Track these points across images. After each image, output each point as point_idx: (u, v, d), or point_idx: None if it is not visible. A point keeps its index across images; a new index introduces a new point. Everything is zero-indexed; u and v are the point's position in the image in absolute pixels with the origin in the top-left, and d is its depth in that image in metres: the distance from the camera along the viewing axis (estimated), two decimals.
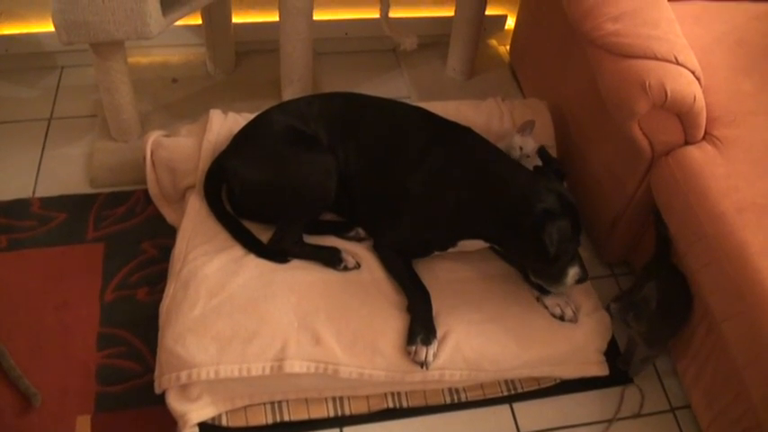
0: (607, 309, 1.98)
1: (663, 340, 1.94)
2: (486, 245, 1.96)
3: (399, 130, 2.03)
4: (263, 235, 2.00)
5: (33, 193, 2.26)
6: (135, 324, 1.97)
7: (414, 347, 1.81)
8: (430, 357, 1.82)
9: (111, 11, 1.99)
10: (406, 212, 1.95)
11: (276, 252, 1.96)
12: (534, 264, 1.89)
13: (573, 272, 1.87)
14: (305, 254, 1.98)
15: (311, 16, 2.37)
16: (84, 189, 2.29)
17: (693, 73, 1.88)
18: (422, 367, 1.82)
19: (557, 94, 2.41)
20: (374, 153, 2.00)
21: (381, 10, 2.51)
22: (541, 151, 2.02)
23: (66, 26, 2.02)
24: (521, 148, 2.12)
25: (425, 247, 2.00)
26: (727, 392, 1.78)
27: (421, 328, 1.84)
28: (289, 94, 2.52)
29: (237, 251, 1.96)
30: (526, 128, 2.15)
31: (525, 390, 1.95)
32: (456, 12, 2.68)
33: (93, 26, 2.02)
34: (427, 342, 1.83)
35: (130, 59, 2.61)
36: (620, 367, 2.00)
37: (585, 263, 2.16)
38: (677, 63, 1.87)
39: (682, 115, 1.87)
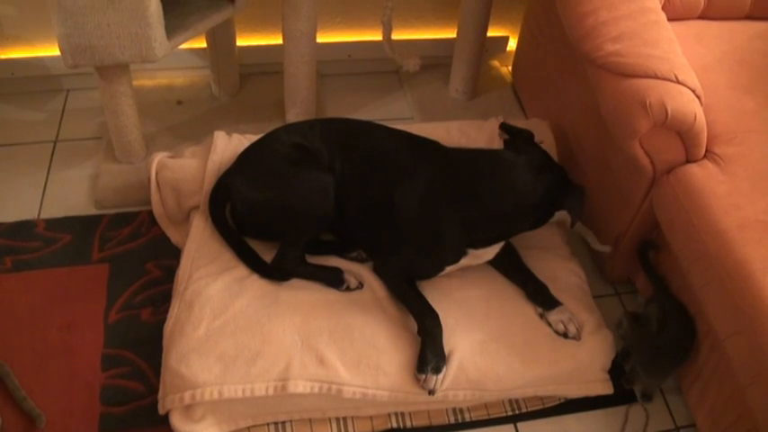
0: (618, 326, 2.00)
1: (664, 371, 1.95)
2: (497, 250, 1.98)
3: (389, 152, 2.04)
4: (268, 253, 2.00)
5: (38, 214, 2.28)
6: (139, 344, 1.97)
7: (424, 376, 1.81)
8: (439, 385, 1.82)
9: (116, 35, 2.02)
10: (407, 234, 1.95)
11: (279, 271, 1.97)
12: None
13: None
14: (307, 274, 1.99)
15: (314, 39, 2.39)
16: (90, 210, 2.30)
17: (694, 91, 1.89)
18: (430, 394, 1.82)
19: (559, 113, 2.42)
20: (371, 175, 2.01)
21: (384, 33, 2.53)
22: (503, 126, 2.09)
23: (71, 50, 2.05)
24: None
25: (437, 263, 1.98)
26: (732, 411, 1.77)
27: (432, 355, 1.83)
28: (292, 115, 2.54)
29: (241, 271, 1.97)
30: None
31: (530, 409, 1.95)
32: (458, 33, 2.70)
33: (99, 50, 2.05)
34: (438, 371, 1.82)
35: (136, 82, 2.64)
36: (624, 387, 2.00)
37: (589, 281, 2.19)
38: (677, 82, 1.88)
39: (683, 133, 1.88)
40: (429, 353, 1.84)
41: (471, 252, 1.95)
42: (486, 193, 1.87)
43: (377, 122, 2.18)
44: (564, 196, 1.91)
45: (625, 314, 2.03)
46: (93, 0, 1.95)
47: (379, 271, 2.03)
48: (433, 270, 2.00)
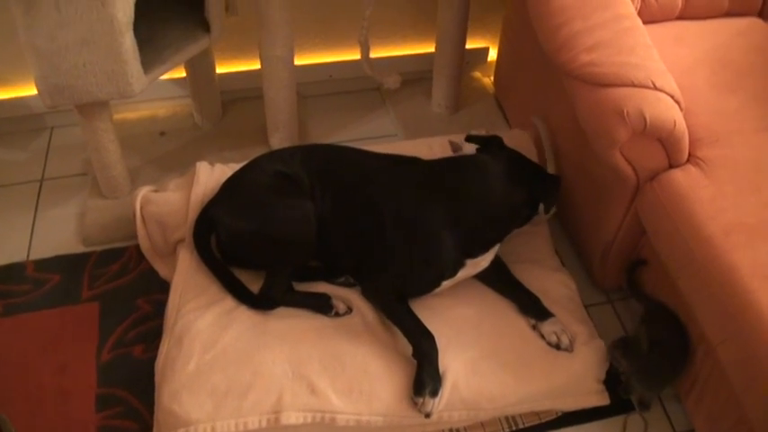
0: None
1: (660, 382, 1.94)
2: (492, 255, 1.98)
3: (371, 174, 2.03)
4: (256, 282, 2.00)
5: (27, 256, 2.28)
6: (132, 383, 1.96)
7: (421, 399, 1.80)
8: (436, 408, 1.81)
9: (92, 73, 2.02)
10: (401, 252, 1.93)
11: (266, 301, 1.96)
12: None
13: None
14: (295, 302, 1.98)
15: (292, 63, 2.40)
16: (78, 248, 2.30)
17: (673, 97, 1.88)
18: (426, 417, 1.81)
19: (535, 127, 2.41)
20: (353, 200, 2.00)
21: (362, 52, 2.53)
22: (469, 138, 2.11)
23: (49, 91, 2.05)
24: None
25: (434, 278, 1.96)
26: (729, 416, 1.76)
27: (429, 378, 1.82)
28: (276, 140, 2.55)
29: (229, 303, 1.97)
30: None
31: (527, 425, 1.93)
32: (437, 47, 2.69)
33: (77, 89, 2.05)
34: (434, 394, 1.82)
35: (118, 115, 2.66)
36: (622, 396, 1.99)
37: (580, 290, 2.18)
38: (655, 88, 1.87)
39: (663, 140, 1.87)
40: (426, 376, 1.83)
41: (469, 262, 1.94)
42: (475, 199, 1.88)
43: (358, 147, 2.17)
44: (541, 188, 1.93)
45: (613, 343, 2.00)
46: (67, 41, 1.96)
47: (369, 293, 2.01)
48: (429, 286, 1.98)
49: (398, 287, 1.97)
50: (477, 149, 2.08)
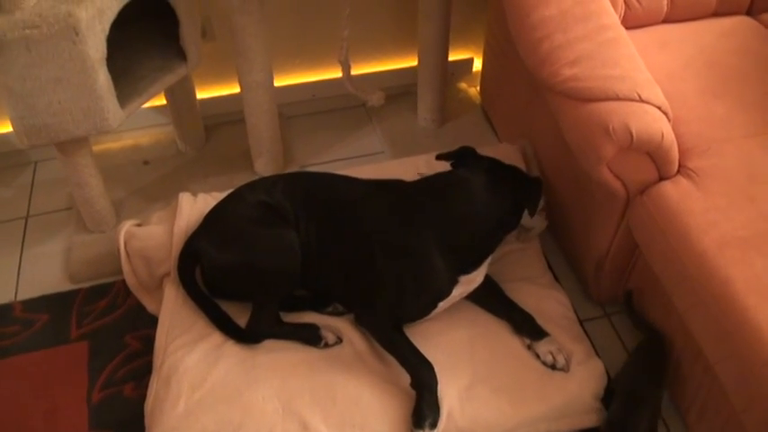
0: None
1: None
2: (485, 270, 1.94)
3: (356, 201, 2.00)
4: (244, 315, 1.97)
5: (15, 296, 2.25)
6: (123, 424, 1.94)
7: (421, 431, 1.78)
8: None
9: (68, 111, 1.99)
10: (393, 278, 1.89)
11: (253, 334, 1.93)
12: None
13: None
14: (284, 334, 1.95)
15: (272, 87, 2.36)
16: (65, 286, 2.27)
17: (660, 108, 1.84)
18: None
19: (529, 135, 2.37)
20: (338, 228, 1.97)
21: (343, 71, 2.49)
22: (439, 157, 2.06)
23: (26, 131, 2.02)
24: None
25: (430, 300, 1.92)
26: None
27: (429, 410, 1.79)
28: (260, 164, 2.52)
29: (217, 338, 1.94)
30: None
31: None
32: (419, 61, 2.65)
33: (53, 127, 2.02)
34: (434, 426, 1.78)
35: (101, 146, 2.63)
36: None
37: (576, 305, 2.15)
38: (641, 101, 1.82)
39: (652, 153, 1.83)
40: (425, 407, 1.79)
41: (462, 279, 1.90)
42: (461, 217, 1.86)
43: (340, 173, 2.14)
44: (523, 193, 1.94)
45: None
46: (40, 81, 1.92)
47: (363, 322, 1.97)
48: (426, 309, 1.94)
49: (394, 315, 1.93)
50: (452, 164, 2.04)
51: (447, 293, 1.92)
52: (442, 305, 1.94)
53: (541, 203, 2.00)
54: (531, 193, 1.94)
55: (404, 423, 1.80)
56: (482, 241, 1.90)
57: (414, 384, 1.84)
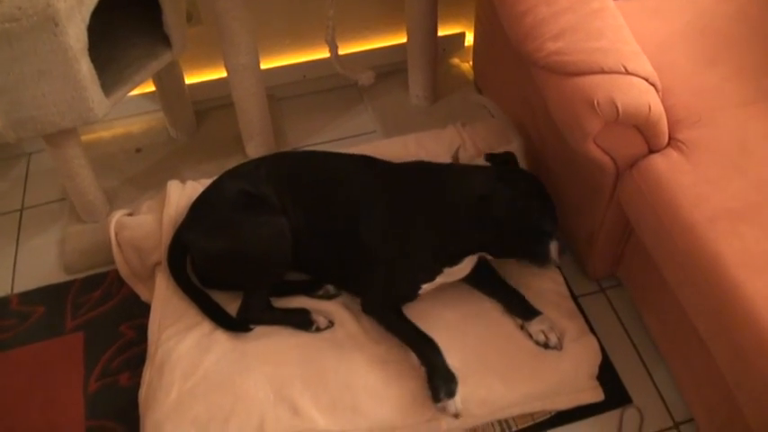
0: None
1: None
2: (473, 263, 1.92)
3: (344, 181, 1.99)
4: (235, 302, 1.97)
5: (12, 289, 2.26)
6: (120, 412, 1.95)
7: (441, 404, 1.78)
8: (459, 406, 1.79)
9: (53, 103, 1.98)
10: (380, 261, 1.90)
11: (243, 322, 1.94)
12: (517, 250, 1.89)
13: (554, 246, 1.84)
14: (275, 320, 1.95)
15: (258, 70, 2.34)
16: (60, 277, 2.27)
17: (647, 80, 1.79)
18: (456, 418, 1.79)
19: (521, 109, 2.33)
20: (326, 209, 1.96)
21: (331, 51, 2.47)
22: (485, 157, 2.02)
23: (12, 125, 2.01)
24: None
25: (413, 285, 1.93)
26: (726, 408, 1.70)
27: (442, 381, 1.80)
28: (252, 148, 2.50)
29: (207, 326, 1.95)
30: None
31: (520, 427, 1.88)
32: (408, 38, 2.61)
33: (39, 120, 2.01)
34: (452, 394, 1.79)
35: (93, 135, 2.63)
36: None
37: (571, 281, 2.14)
38: (627, 73, 1.77)
39: (639, 126, 1.78)
40: (437, 380, 1.81)
41: (446, 270, 1.89)
42: (437, 209, 1.83)
43: (327, 151, 2.13)
44: (529, 241, 1.85)
45: None
46: (24, 74, 1.91)
47: (367, 310, 1.97)
48: (409, 293, 1.94)
49: (389, 298, 1.94)
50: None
51: (429, 279, 1.92)
52: (426, 287, 1.94)
53: (554, 254, 1.85)
54: (537, 245, 1.85)
55: (397, 403, 1.82)
56: (458, 238, 1.85)
57: (421, 363, 1.85)
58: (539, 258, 1.86)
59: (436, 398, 1.79)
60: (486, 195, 1.78)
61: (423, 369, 1.84)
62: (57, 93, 1.97)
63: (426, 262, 1.88)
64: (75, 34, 1.90)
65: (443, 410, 1.79)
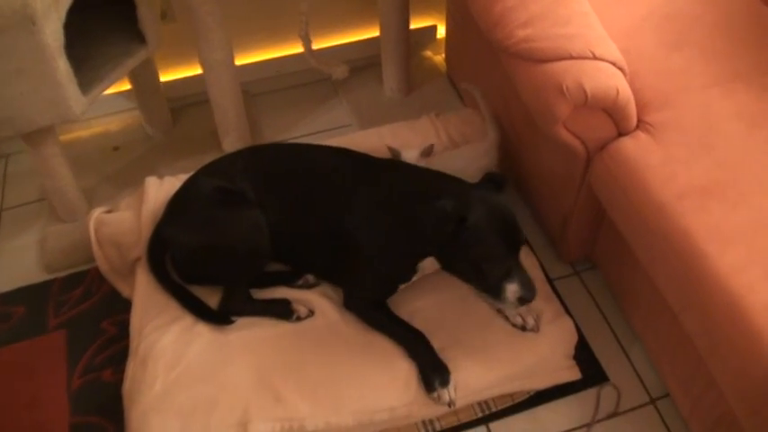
0: None
1: None
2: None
3: (322, 176, 2.00)
4: (214, 297, 1.99)
5: None
6: (104, 408, 1.96)
7: (435, 394, 1.82)
8: (453, 395, 1.83)
9: (31, 102, 1.99)
10: (360, 259, 1.92)
11: (224, 315, 1.95)
12: (467, 275, 1.82)
13: (511, 288, 1.74)
14: (256, 311, 1.97)
15: (233, 65, 2.36)
16: (41, 277, 2.28)
17: (614, 64, 1.84)
18: (449, 407, 1.83)
19: (493, 98, 2.37)
20: (303, 201, 1.98)
21: (304, 46, 2.49)
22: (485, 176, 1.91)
23: None
24: None
25: (392, 284, 1.96)
26: (700, 379, 1.75)
27: (434, 371, 1.84)
28: (228, 143, 2.52)
29: (189, 319, 1.96)
30: (394, 155, 2.13)
31: (499, 408, 1.92)
32: (381, 31, 2.64)
33: (18, 119, 2.02)
34: (445, 383, 1.83)
35: (70, 134, 2.63)
36: None
37: (546, 265, 2.17)
38: (594, 58, 1.83)
39: (608, 110, 1.83)
40: (429, 371, 1.85)
41: (420, 266, 1.91)
42: (411, 218, 1.79)
43: (307, 143, 2.15)
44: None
45: None
46: (1, 73, 1.92)
47: (350, 307, 1.99)
48: (388, 290, 1.98)
49: (371, 294, 1.97)
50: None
51: (407, 280, 1.95)
52: (402, 287, 1.97)
53: (510, 295, 1.74)
54: (494, 283, 1.74)
55: (378, 388, 1.84)
56: (426, 249, 1.84)
57: (410, 356, 1.88)
58: (493, 297, 1.78)
59: (431, 388, 1.83)
60: (453, 221, 1.71)
61: (413, 362, 1.87)
62: (35, 91, 1.98)
63: (402, 263, 1.91)
64: (52, 33, 1.91)
65: (438, 400, 1.83)
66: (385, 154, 2.14)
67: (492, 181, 1.85)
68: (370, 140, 2.22)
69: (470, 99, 2.43)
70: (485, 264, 1.74)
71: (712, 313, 1.58)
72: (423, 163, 2.08)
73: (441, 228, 1.71)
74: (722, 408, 1.68)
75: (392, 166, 2.01)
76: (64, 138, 2.60)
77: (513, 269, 1.76)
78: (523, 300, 1.75)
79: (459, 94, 2.80)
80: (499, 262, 1.74)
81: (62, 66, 1.98)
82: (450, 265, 1.82)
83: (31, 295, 2.24)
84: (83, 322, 2.16)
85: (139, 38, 2.26)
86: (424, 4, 2.85)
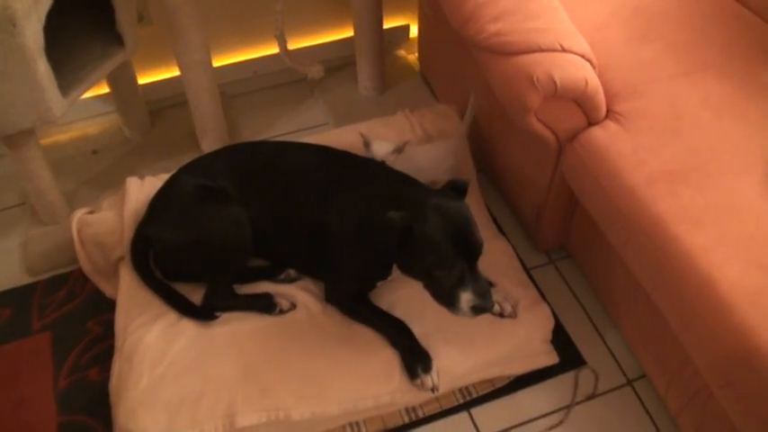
0: None
1: None
2: None
3: (300, 174, 2.03)
4: (197, 294, 2.02)
5: None
6: (91, 406, 1.98)
7: (419, 380, 1.86)
8: (436, 380, 1.87)
9: (11, 103, 2.00)
10: (337, 256, 1.96)
11: (208, 311, 1.98)
12: (424, 283, 1.80)
13: (465, 297, 1.72)
14: (239, 306, 2.00)
15: (211, 66, 2.39)
16: (24, 280, 2.29)
17: (583, 56, 1.91)
18: (433, 392, 1.87)
19: (466, 94, 2.41)
20: (283, 197, 2.01)
21: (280, 46, 2.53)
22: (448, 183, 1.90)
23: None
24: None
25: (369, 281, 2.00)
26: (675, 357, 1.81)
27: (415, 358, 1.88)
28: (206, 144, 2.55)
29: (173, 316, 1.99)
30: (365, 142, 2.16)
31: (480, 393, 1.97)
32: (355, 31, 2.69)
33: None
34: (428, 369, 1.87)
35: (49, 139, 2.65)
36: None
37: (521, 253, 2.23)
38: (563, 50, 1.89)
39: (578, 100, 1.89)
40: (411, 358, 1.89)
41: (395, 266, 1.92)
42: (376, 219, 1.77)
43: (286, 141, 2.18)
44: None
45: None
46: None
47: (330, 301, 2.03)
48: (367, 286, 2.02)
49: (352, 286, 2.00)
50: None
51: (383, 277, 1.99)
52: (380, 284, 2.02)
53: (464, 304, 1.72)
54: (448, 290, 1.73)
55: (360, 377, 1.88)
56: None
57: (393, 344, 1.93)
58: (447, 305, 1.77)
59: (414, 375, 1.87)
60: (408, 225, 1.70)
61: (396, 351, 1.91)
62: (15, 93, 1.99)
63: (374, 264, 1.93)
64: (33, 35, 1.93)
65: (422, 386, 1.87)
66: (360, 147, 2.18)
67: (454, 188, 1.84)
68: (348, 137, 2.25)
69: (445, 95, 2.48)
70: (436, 270, 1.73)
71: (684, 291, 1.65)
72: (393, 159, 2.12)
73: (386, 237, 1.71)
74: (697, 384, 1.75)
75: (365, 166, 2.04)
76: (43, 142, 2.58)
77: (467, 277, 1.73)
78: (477, 309, 1.73)
79: (433, 92, 2.85)
80: (450, 268, 1.72)
81: (42, 68, 1.99)
82: (408, 272, 1.82)
83: (14, 298, 2.25)
84: (67, 323, 2.17)
85: (118, 40, 2.28)
86: (397, 4, 2.90)
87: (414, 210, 1.71)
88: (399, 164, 2.08)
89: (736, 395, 1.55)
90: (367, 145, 2.13)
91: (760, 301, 1.55)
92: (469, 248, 1.73)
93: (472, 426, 1.94)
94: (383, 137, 2.21)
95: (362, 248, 1.88)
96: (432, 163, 2.17)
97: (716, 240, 1.65)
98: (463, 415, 1.96)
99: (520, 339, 1.97)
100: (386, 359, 1.90)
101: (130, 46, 2.30)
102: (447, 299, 1.75)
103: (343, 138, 2.26)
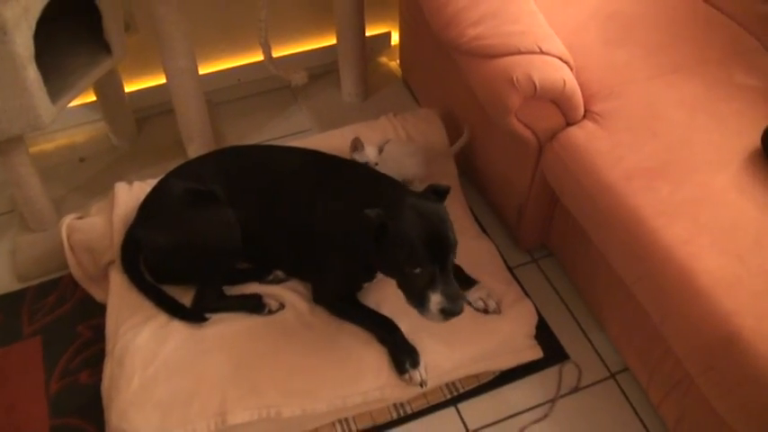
0: None
1: None
2: None
3: (287, 176, 2.06)
4: (187, 296, 2.05)
5: None
6: (83, 409, 2.00)
7: (407, 375, 1.90)
8: (424, 375, 1.91)
9: (1, 110, 2.03)
10: (323, 258, 2.00)
11: (198, 312, 2.01)
12: (398, 281, 1.81)
13: (435, 299, 1.72)
14: (229, 306, 2.03)
15: (197, 73, 2.43)
16: (14, 286, 2.31)
17: (560, 58, 1.97)
18: (421, 387, 1.91)
19: (447, 98, 2.50)
20: (271, 200, 2.04)
21: (264, 53, 2.57)
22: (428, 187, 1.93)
23: None
24: None
25: (355, 282, 2.04)
26: (656, 349, 1.86)
27: (403, 354, 1.92)
28: (193, 151, 2.58)
29: (163, 317, 2.01)
30: (357, 146, 2.19)
31: (466, 389, 2.01)
32: (338, 39, 2.74)
33: None
34: (415, 364, 1.91)
35: (36, 147, 2.67)
36: None
37: (503, 252, 2.28)
38: (542, 53, 1.95)
39: (556, 100, 1.96)
40: (399, 353, 1.93)
41: None
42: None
43: (273, 144, 2.21)
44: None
45: None
46: None
47: (318, 301, 2.06)
48: (354, 289, 2.05)
49: (339, 287, 2.04)
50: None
51: (369, 279, 2.03)
52: (365, 285, 2.06)
53: (433, 307, 1.72)
54: (418, 291, 1.75)
55: (349, 374, 1.91)
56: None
57: (380, 340, 1.97)
58: (417, 306, 1.77)
59: (402, 370, 1.91)
60: (383, 222, 1.73)
61: (384, 347, 1.95)
62: (5, 100, 2.02)
63: (357, 265, 1.97)
64: (23, 42, 1.96)
65: (410, 381, 1.90)
66: (346, 152, 2.22)
67: (435, 192, 1.87)
68: (334, 141, 2.29)
69: (427, 100, 2.52)
70: (407, 268, 1.73)
71: (663, 282, 1.70)
72: (379, 162, 2.17)
73: (363, 233, 1.75)
74: (678, 375, 1.80)
75: (349, 168, 2.07)
76: (30, 150, 2.59)
77: (438, 279, 1.74)
78: (446, 312, 1.72)
79: (415, 97, 2.90)
80: (420, 267, 1.72)
81: (32, 75, 2.02)
82: (384, 270, 1.85)
83: (4, 304, 2.26)
84: (58, 328, 2.19)
85: (105, 48, 2.31)
86: (379, 11, 2.95)
87: (391, 208, 1.74)
88: (380, 163, 2.15)
89: (717, 380, 1.60)
90: (359, 148, 2.18)
91: (737, 289, 1.61)
92: (442, 249, 1.74)
93: (459, 420, 1.98)
94: (367, 139, 2.25)
95: (346, 248, 1.92)
96: (403, 156, 2.23)
97: (693, 232, 1.71)
98: (450, 410, 1.99)
99: (504, 335, 2.01)
100: (374, 356, 1.93)
101: (118, 53, 2.34)
102: (417, 299, 1.76)
103: (327, 142, 2.29)
